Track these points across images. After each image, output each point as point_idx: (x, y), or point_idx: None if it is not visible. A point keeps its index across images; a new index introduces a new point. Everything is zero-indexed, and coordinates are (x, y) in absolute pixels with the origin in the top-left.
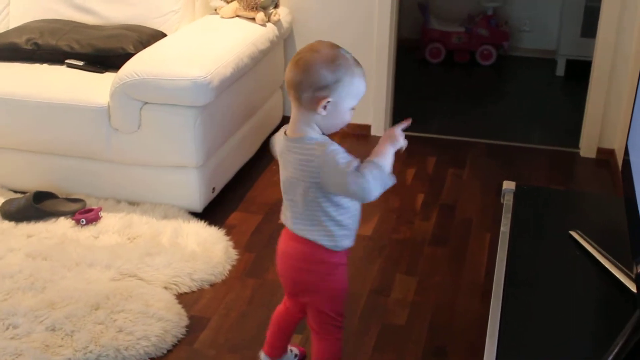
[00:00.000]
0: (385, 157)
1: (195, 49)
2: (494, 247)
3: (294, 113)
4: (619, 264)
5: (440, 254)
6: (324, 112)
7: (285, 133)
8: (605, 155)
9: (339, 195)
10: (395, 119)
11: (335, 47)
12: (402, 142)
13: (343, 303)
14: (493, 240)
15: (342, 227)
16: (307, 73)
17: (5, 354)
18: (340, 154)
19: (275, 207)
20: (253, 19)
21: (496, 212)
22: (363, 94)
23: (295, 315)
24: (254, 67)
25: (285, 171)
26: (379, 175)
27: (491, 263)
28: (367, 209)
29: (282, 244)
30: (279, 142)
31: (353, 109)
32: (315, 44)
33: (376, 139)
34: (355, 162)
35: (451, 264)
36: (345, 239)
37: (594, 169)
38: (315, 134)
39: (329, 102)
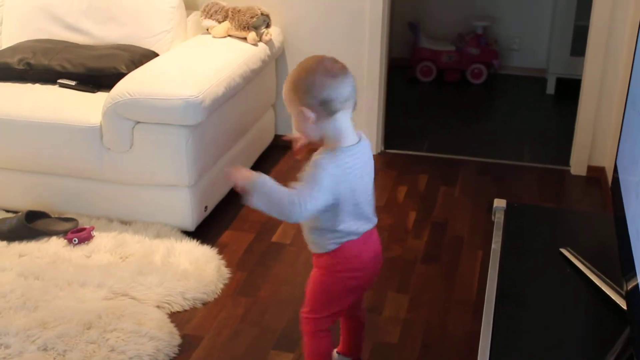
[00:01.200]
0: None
1: (187, 69)
2: (486, 265)
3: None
4: (609, 281)
5: (432, 271)
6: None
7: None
8: (595, 173)
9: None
10: (387, 138)
11: (322, 61)
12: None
13: None
14: (484, 258)
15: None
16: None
17: None
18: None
19: (267, 225)
20: (245, 39)
21: (487, 230)
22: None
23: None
24: (245, 86)
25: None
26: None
27: (483, 280)
28: None
29: (376, 245)
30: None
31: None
32: (322, 59)
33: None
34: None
35: (443, 282)
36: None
37: (584, 187)
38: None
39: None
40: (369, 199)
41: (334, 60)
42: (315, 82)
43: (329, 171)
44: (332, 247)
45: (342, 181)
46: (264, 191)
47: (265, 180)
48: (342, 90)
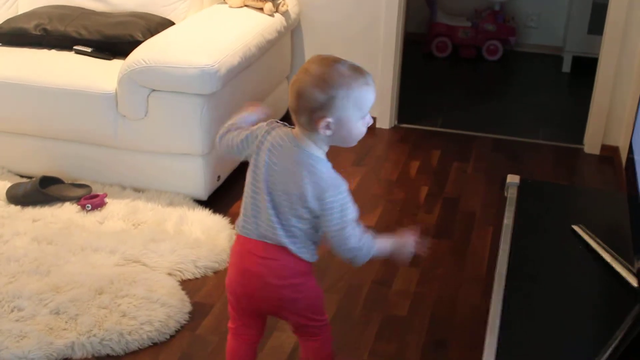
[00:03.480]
0: (382, 249)
1: (203, 38)
2: (497, 241)
3: (301, 132)
4: (621, 259)
5: (443, 246)
6: (328, 132)
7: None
8: (609, 152)
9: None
10: (401, 112)
11: (328, 62)
12: (405, 255)
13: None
14: (496, 234)
15: (317, 244)
16: (300, 97)
17: (10, 335)
18: (349, 203)
19: None
20: (261, 9)
21: (499, 207)
22: (370, 101)
23: (256, 341)
24: (261, 57)
25: (281, 172)
26: (368, 251)
27: (493, 257)
28: (372, 200)
29: (246, 261)
30: (269, 134)
31: (366, 117)
32: (308, 62)
33: (381, 132)
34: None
35: (454, 257)
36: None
37: (597, 166)
38: (319, 152)
39: (328, 122)
40: None
41: None
42: None
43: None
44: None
45: None
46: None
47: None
48: None
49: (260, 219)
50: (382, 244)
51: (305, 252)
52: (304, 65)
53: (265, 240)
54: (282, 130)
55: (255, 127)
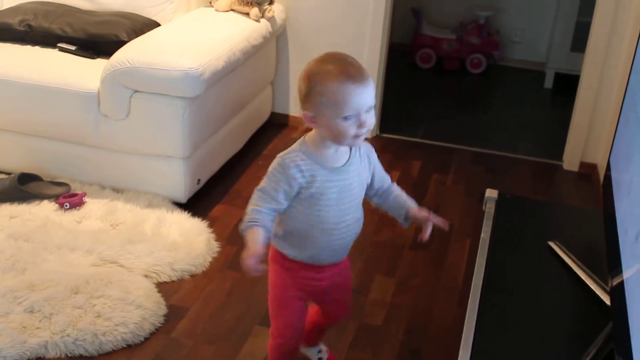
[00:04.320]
0: (248, 237)
1: (188, 40)
2: (474, 254)
3: None
4: (595, 277)
5: (420, 257)
6: (315, 126)
7: None
8: (587, 170)
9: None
10: (383, 122)
11: (330, 58)
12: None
13: (273, 310)
14: (473, 247)
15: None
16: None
17: None
18: (269, 177)
19: None
20: (247, 14)
21: (477, 219)
22: (355, 102)
23: None
24: (245, 61)
25: None
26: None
27: (470, 269)
28: None
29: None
30: None
31: (348, 118)
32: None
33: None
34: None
35: (430, 268)
36: (287, 248)
37: (576, 182)
38: (298, 145)
39: (306, 114)
40: None
41: None
42: None
43: None
44: None
45: None
46: None
47: None
48: None
49: None
50: (250, 235)
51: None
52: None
53: None
54: None
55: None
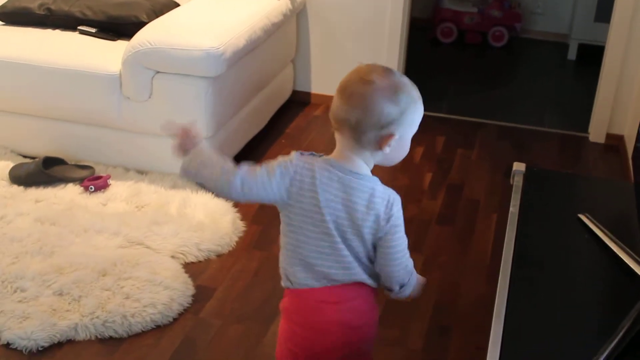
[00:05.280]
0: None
1: (208, 20)
2: (500, 229)
3: (344, 147)
4: (628, 249)
5: (447, 233)
6: (388, 150)
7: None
8: (614, 141)
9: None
10: None
11: (388, 72)
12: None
13: None
14: (499, 222)
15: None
16: (368, 111)
17: (13, 316)
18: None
19: None
20: None
21: (503, 194)
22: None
23: None
24: (266, 40)
25: (342, 207)
26: (414, 278)
27: (497, 244)
28: None
29: (319, 313)
30: (311, 171)
31: None
32: (364, 70)
33: None
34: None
35: (457, 244)
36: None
37: (602, 155)
38: (367, 171)
39: (394, 138)
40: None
41: None
42: None
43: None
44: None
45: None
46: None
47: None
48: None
49: (330, 262)
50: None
51: (374, 281)
52: (357, 74)
53: (338, 283)
54: (323, 161)
55: (279, 163)
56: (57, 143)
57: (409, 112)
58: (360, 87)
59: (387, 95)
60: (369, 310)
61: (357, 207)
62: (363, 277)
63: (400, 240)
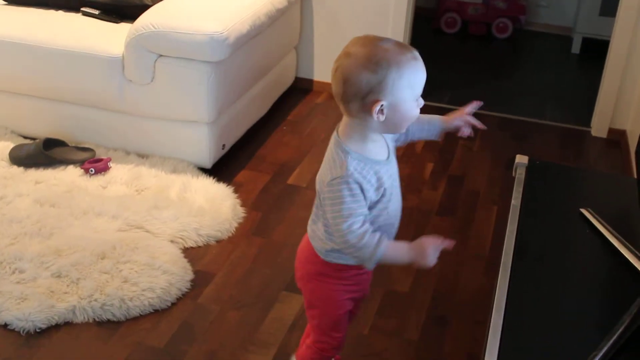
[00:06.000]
0: (394, 256)
1: (212, 4)
2: (501, 220)
3: (343, 120)
4: (629, 245)
5: (447, 224)
6: (382, 117)
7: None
8: (616, 136)
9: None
10: None
11: (370, 41)
12: (427, 264)
13: (327, 324)
14: (500, 214)
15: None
16: (347, 83)
17: (11, 297)
18: (345, 201)
19: (284, 167)
20: None
21: (504, 186)
22: (422, 79)
23: None
24: (270, 25)
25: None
26: (368, 253)
27: (497, 236)
28: None
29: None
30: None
31: (418, 99)
32: (349, 44)
33: None
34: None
35: (457, 235)
36: (333, 253)
37: (604, 149)
38: (344, 155)
39: (382, 105)
40: None
41: None
42: None
43: None
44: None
45: None
46: None
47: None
48: None
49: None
50: (393, 251)
51: (320, 248)
52: (343, 49)
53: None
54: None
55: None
56: (58, 124)
57: (391, 78)
58: (342, 60)
59: (363, 64)
60: (306, 262)
61: (322, 171)
62: (308, 229)
63: (329, 214)
